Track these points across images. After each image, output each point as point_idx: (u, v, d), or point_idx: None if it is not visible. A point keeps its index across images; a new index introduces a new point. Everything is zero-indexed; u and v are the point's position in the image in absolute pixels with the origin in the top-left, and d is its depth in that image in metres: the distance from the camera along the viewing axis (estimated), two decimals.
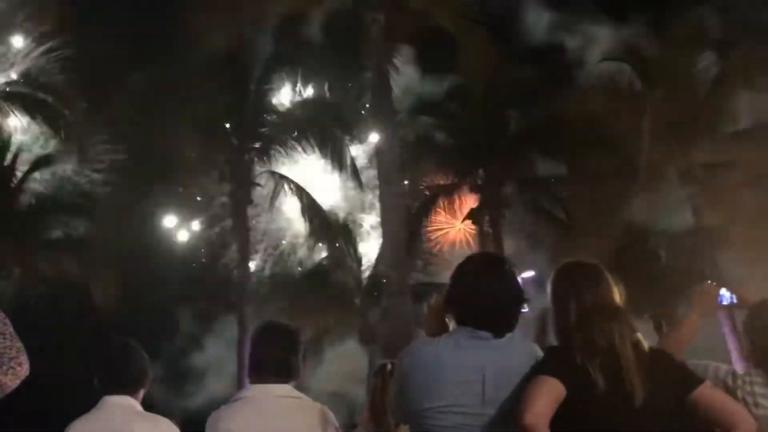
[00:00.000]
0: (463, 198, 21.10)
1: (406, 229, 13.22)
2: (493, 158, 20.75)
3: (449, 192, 21.07)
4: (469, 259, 3.08)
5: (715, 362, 3.38)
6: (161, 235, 20.60)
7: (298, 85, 18.39)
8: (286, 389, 3.48)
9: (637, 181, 18.49)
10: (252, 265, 19.52)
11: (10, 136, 18.25)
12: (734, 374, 3.23)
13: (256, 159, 18.03)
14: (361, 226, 20.76)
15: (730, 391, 3.12)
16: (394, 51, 14.46)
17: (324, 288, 19.73)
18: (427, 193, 20.79)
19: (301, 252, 19.93)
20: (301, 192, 18.29)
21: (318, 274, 20.00)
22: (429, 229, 21.21)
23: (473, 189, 20.66)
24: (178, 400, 21.05)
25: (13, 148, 18.41)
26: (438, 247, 22.44)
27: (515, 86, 20.96)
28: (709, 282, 3.52)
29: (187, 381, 23.78)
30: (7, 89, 16.95)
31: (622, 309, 2.87)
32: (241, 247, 17.58)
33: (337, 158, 17.04)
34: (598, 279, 2.90)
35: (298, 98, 18.68)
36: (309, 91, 18.76)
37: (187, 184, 19.06)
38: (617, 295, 2.91)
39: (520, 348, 2.86)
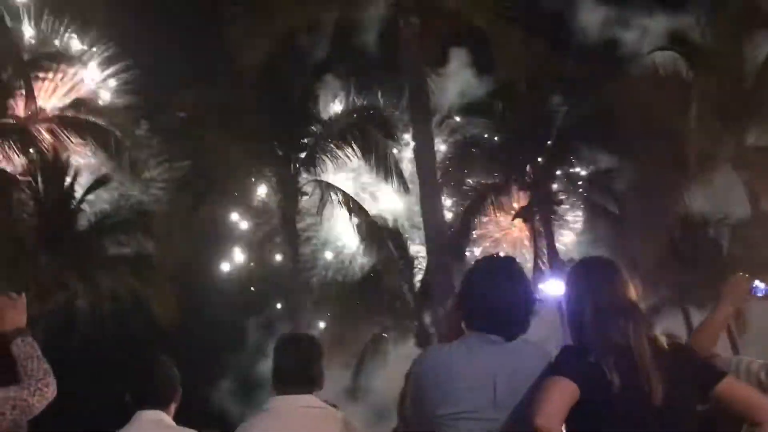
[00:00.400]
0: (513, 196, 20.92)
1: (449, 230, 13.03)
2: (541, 155, 20.53)
3: (498, 191, 20.91)
4: (477, 263, 3.07)
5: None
6: (219, 249, 20.97)
7: (341, 92, 18.58)
8: (309, 400, 3.50)
9: (690, 171, 18.03)
10: (308, 273, 19.70)
11: (68, 158, 18.85)
12: (762, 366, 3.14)
13: (301, 168, 18.20)
14: (419, 228, 20.79)
15: (763, 386, 3.03)
16: (430, 53, 14.35)
17: (378, 292, 19.78)
18: (472, 193, 20.58)
19: (355, 258, 20.06)
20: (347, 199, 18.40)
21: (371, 278, 20.07)
22: (479, 229, 21.10)
23: (523, 187, 20.45)
24: (250, 410, 21.39)
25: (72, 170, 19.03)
26: (490, 246, 22.30)
27: (562, 81, 20.77)
28: (741, 273, 3.44)
29: (257, 391, 24.18)
30: (62, 114, 17.52)
31: (638, 306, 2.82)
32: (292, 255, 17.71)
33: (382, 164, 17.04)
34: (613, 276, 2.86)
35: (340, 106, 18.86)
36: (350, 98, 18.94)
37: (239, 197, 19.35)
38: (633, 293, 2.86)
39: (532, 351, 2.83)
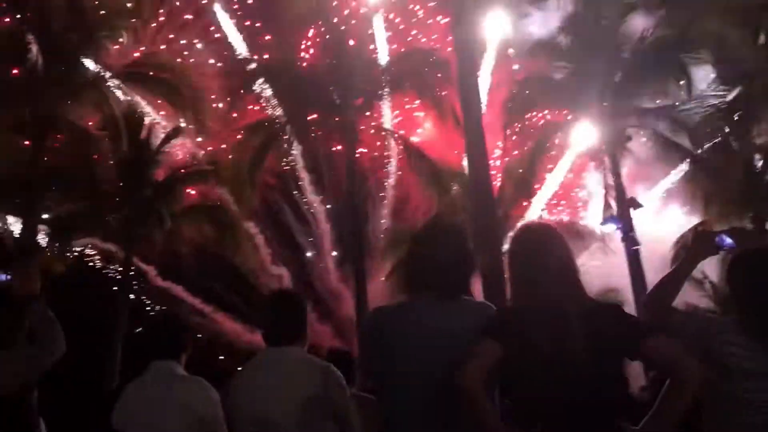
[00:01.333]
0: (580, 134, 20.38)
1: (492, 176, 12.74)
2: (610, 88, 19.85)
3: (566, 129, 20.43)
4: (422, 226, 3.22)
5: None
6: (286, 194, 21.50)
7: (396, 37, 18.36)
8: (296, 351, 3.78)
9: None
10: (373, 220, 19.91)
11: (142, 113, 19.62)
12: (710, 321, 3.17)
13: (359, 115, 18.21)
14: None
15: (704, 338, 3.06)
16: None
17: None
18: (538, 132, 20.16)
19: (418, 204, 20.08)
20: (406, 144, 18.36)
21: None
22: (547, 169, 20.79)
23: (590, 122, 19.86)
24: None
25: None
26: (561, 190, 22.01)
27: (630, 10, 19.91)
28: (707, 227, 3.45)
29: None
30: (129, 70, 18.15)
31: (571, 269, 2.90)
32: (354, 201, 17.87)
33: (439, 108, 16.81)
34: (549, 241, 2.94)
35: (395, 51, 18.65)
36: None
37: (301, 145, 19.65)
38: (569, 256, 2.94)
39: (470, 310, 2.95)
